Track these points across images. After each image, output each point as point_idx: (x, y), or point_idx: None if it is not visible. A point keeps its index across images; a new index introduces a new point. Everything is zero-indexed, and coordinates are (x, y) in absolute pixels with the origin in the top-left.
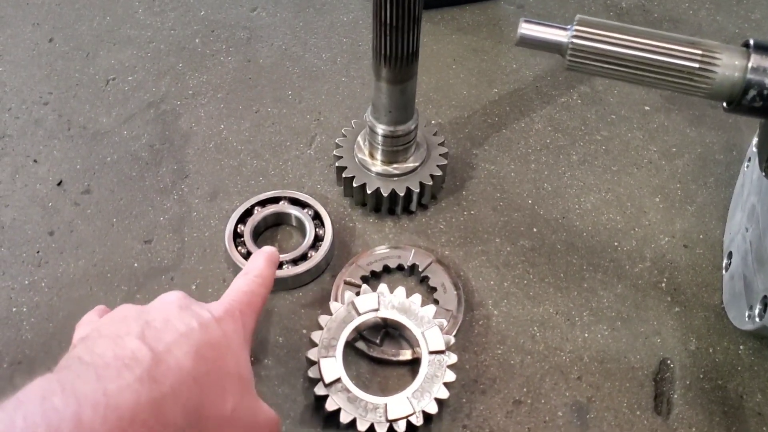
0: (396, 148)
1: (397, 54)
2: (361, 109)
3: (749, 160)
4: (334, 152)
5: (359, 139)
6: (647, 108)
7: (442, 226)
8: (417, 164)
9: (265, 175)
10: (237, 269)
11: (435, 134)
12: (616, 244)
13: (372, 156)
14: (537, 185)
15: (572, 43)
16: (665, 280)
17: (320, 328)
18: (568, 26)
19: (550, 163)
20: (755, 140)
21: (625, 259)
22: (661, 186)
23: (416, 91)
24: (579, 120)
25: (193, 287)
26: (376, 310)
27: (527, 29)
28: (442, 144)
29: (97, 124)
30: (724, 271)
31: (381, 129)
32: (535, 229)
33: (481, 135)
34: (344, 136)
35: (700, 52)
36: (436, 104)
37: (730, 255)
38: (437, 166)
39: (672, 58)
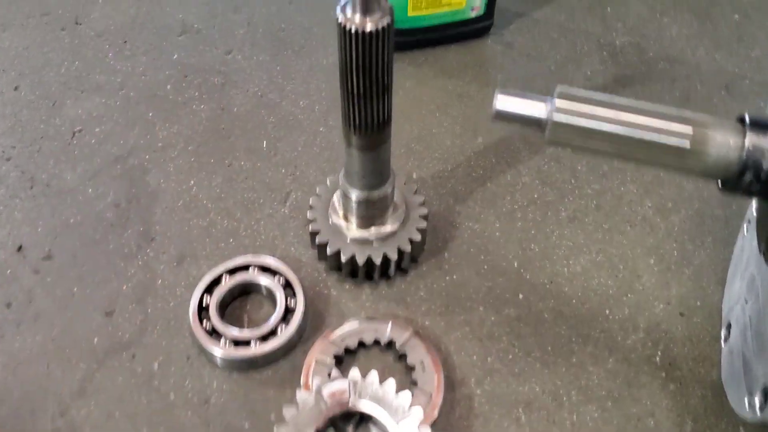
0: (371, 212)
1: (367, 122)
2: (339, 162)
3: (748, 222)
4: (307, 214)
5: (334, 199)
6: None
7: (422, 293)
8: (395, 228)
9: (235, 236)
10: (201, 348)
11: (415, 192)
12: (607, 312)
13: (347, 219)
14: (523, 246)
15: (553, 118)
16: (659, 353)
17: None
18: (548, 98)
19: (537, 220)
20: (754, 202)
21: (617, 329)
22: (656, 246)
23: (398, 141)
24: (569, 172)
25: (155, 366)
26: (347, 401)
27: (503, 103)
28: (422, 204)
29: (61, 182)
30: (722, 343)
31: (354, 194)
32: (521, 296)
33: (465, 190)
34: (318, 195)
35: (691, 130)
36: (417, 156)
37: (729, 326)
38: (417, 229)
39: (661, 136)
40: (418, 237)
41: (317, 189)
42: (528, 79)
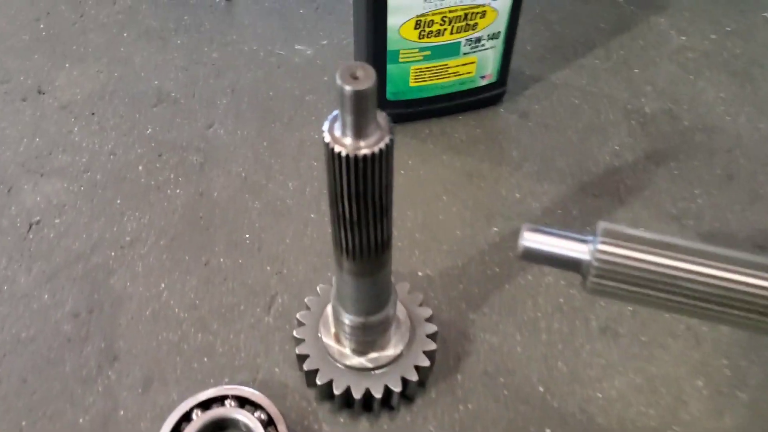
0: (369, 338)
1: (362, 248)
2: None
3: None
4: (294, 333)
5: (326, 313)
6: None
7: (431, 428)
8: (398, 351)
9: (211, 353)
10: None
11: (421, 305)
12: None
13: (340, 342)
14: (549, 364)
15: (597, 263)
16: None
17: None
18: (589, 237)
19: (564, 332)
20: None
21: None
22: (703, 363)
23: (400, 231)
24: None
25: None
26: None
27: (533, 241)
28: (430, 319)
29: (14, 285)
30: None
31: (348, 319)
32: (548, 430)
33: (479, 292)
34: (308, 308)
35: None
36: (423, 249)
37: None
38: (424, 352)
39: (738, 288)
40: (425, 362)
41: (306, 300)
42: (547, 154)
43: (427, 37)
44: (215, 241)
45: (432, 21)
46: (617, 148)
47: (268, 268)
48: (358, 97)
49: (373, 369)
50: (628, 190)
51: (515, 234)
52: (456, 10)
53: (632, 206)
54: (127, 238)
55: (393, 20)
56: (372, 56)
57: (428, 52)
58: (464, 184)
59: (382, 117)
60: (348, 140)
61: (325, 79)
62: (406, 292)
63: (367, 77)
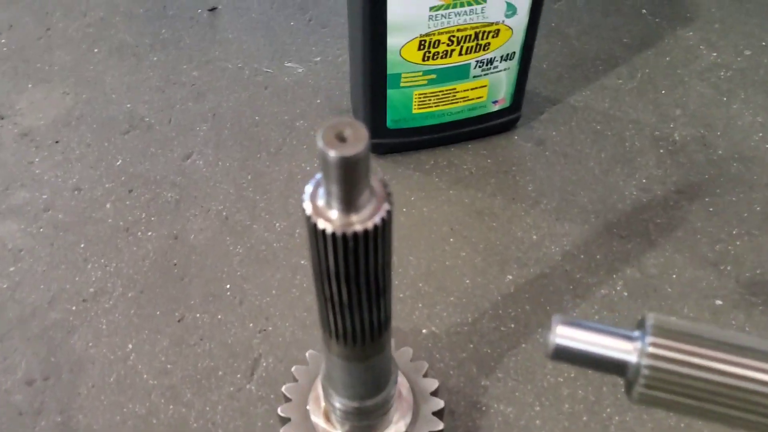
0: (364, 423)
1: (354, 333)
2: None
3: None
4: (279, 411)
5: (317, 387)
6: (719, 302)
7: None
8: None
9: (183, 430)
10: None
11: (425, 375)
12: None
13: (331, 422)
14: None
15: (648, 370)
16: None
17: None
18: (636, 332)
19: (590, 400)
20: None
21: None
22: None
23: (402, 280)
24: (626, 322)
25: None
26: None
27: (567, 338)
28: (435, 392)
29: None
30: None
31: (339, 402)
32: None
33: (492, 353)
34: (295, 380)
35: None
36: (427, 302)
37: None
38: None
39: None
40: (437, 425)
41: (294, 370)
42: (566, 188)
43: (433, 59)
44: (191, 293)
45: (438, 41)
46: (645, 181)
47: (251, 325)
48: (347, 164)
49: None
50: (659, 230)
51: (532, 283)
52: (465, 29)
53: (664, 249)
54: (91, 290)
55: (393, 40)
56: (369, 80)
57: (433, 76)
58: (474, 223)
59: (377, 181)
60: (335, 213)
61: (318, 101)
62: (408, 359)
63: (357, 139)
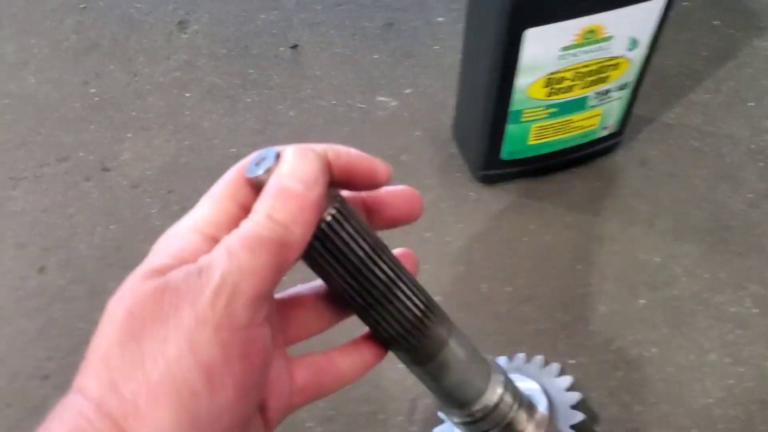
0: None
1: (392, 331)
2: None
3: None
4: None
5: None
6: None
7: None
8: None
9: None
10: None
11: (569, 389)
12: None
13: None
14: None
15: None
16: None
17: None
18: None
19: (740, 420)
20: None
21: None
22: None
23: (540, 311)
24: (763, 340)
25: None
26: None
27: None
28: (576, 406)
29: None
30: None
31: (457, 417)
32: None
33: (640, 379)
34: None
35: None
36: (569, 332)
37: None
38: None
39: None
40: None
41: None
42: (677, 208)
43: (556, 95)
44: (338, 339)
45: (563, 78)
46: (751, 195)
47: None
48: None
49: None
50: None
51: (664, 306)
52: (590, 65)
53: None
54: None
55: (522, 80)
56: (490, 118)
57: (554, 110)
58: (596, 249)
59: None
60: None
61: (418, 134)
62: (540, 366)
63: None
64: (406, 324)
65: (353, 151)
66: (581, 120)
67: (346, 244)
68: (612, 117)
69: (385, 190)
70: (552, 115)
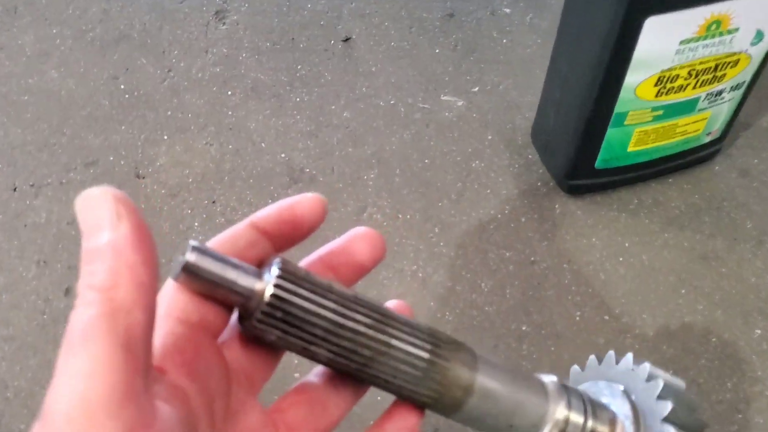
0: None
1: (406, 394)
2: None
3: None
4: None
5: None
6: None
7: None
8: None
9: None
10: None
11: (659, 397)
12: None
13: None
14: None
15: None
16: None
17: None
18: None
19: None
20: None
21: None
22: None
23: (642, 343)
24: None
25: None
26: None
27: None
28: (669, 419)
29: None
30: None
31: None
32: None
33: (766, 423)
34: None
35: None
36: (677, 366)
37: None
38: None
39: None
40: None
41: None
42: None
43: (666, 95)
44: None
45: (677, 76)
46: None
47: None
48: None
49: None
50: None
51: None
52: (707, 62)
53: None
54: (296, 374)
55: (632, 78)
56: (588, 121)
57: (660, 112)
58: (701, 270)
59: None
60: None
61: (490, 137)
62: (641, 384)
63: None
64: (411, 378)
65: (271, 207)
66: (687, 124)
67: (304, 309)
68: (718, 122)
69: (340, 242)
70: (657, 119)
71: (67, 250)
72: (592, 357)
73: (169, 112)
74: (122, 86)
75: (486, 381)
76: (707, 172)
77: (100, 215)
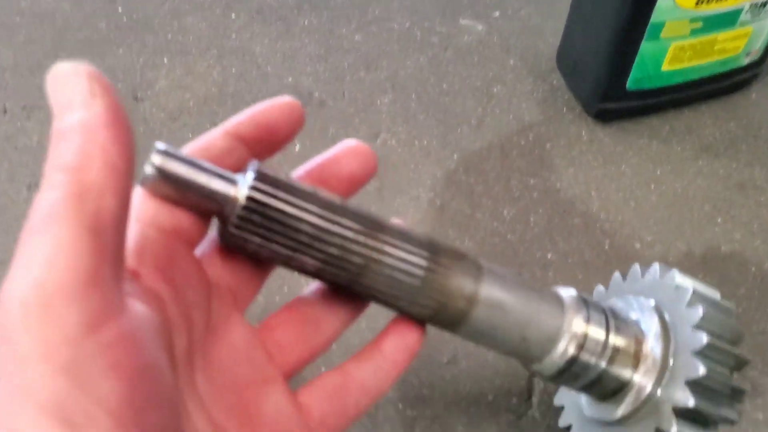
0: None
1: (401, 305)
2: None
3: None
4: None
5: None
6: None
7: None
8: (641, 399)
9: None
10: None
11: (689, 304)
12: None
13: None
14: None
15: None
16: None
17: None
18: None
19: None
20: None
21: None
22: None
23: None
24: None
25: None
26: None
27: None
28: (701, 325)
29: None
30: None
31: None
32: None
33: None
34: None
35: None
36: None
37: None
38: (688, 384)
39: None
40: (688, 400)
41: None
42: None
43: (707, 3)
44: None
45: None
46: None
47: None
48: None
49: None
50: None
51: None
52: None
53: None
54: None
55: None
56: (621, 33)
57: (699, 24)
58: (738, 199)
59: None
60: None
61: (512, 62)
62: (660, 283)
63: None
64: (407, 288)
65: (244, 113)
66: (726, 41)
67: (284, 213)
68: (760, 40)
69: (327, 155)
70: (695, 32)
71: None
72: (617, 274)
73: (170, 36)
74: (120, 9)
75: (492, 291)
76: (744, 100)
77: (72, 93)
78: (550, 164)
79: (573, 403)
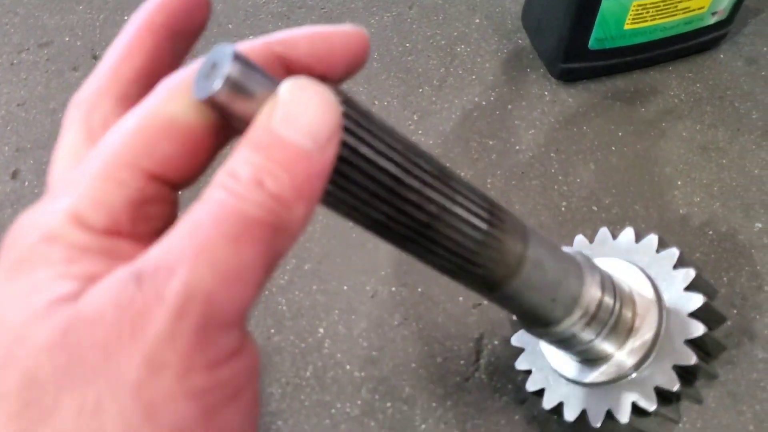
0: (578, 350)
1: (455, 264)
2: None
3: None
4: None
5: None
6: None
7: None
8: (639, 357)
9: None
10: None
11: (678, 265)
12: None
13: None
14: None
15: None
16: None
17: None
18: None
19: None
20: None
21: None
22: None
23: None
24: None
25: None
26: None
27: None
28: (694, 284)
29: None
30: None
31: (547, 337)
32: None
33: (762, 320)
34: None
35: None
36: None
37: None
38: (687, 344)
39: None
40: (690, 358)
41: (513, 339)
42: None
43: None
44: (379, 262)
45: None
46: None
47: (461, 299)
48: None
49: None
50: None
51: None
52: None
53: None
54: None
55: None
56: None
57: None
58: (700, 162)
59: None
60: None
61: (477, 21)
62: (653, 248)
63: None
64: (470, 245)
65: (297, 32)
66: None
67: (372, 147)
68: None
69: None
70: None
71: (16, 133)
72: (580, 236)
73: None
74: None
75: (537, 250)
76: (711, 60)
77: (319, 116)
78: (510, 126)
79: (534, 350)
